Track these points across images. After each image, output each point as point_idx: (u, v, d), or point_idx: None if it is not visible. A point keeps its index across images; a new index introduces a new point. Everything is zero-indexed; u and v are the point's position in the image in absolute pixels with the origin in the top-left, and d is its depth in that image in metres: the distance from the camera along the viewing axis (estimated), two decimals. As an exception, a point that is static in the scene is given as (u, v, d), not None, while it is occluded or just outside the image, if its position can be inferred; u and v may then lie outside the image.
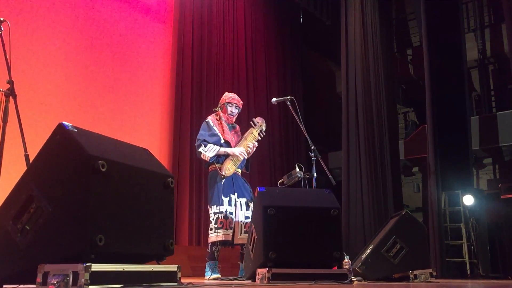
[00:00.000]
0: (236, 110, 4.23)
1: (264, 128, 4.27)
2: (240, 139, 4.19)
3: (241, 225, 3.94)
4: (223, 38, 7.39)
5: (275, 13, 8.75)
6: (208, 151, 3.94)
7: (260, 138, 4.26)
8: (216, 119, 4.20)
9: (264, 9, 8.45)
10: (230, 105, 4.18)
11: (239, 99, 4.28)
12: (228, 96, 4.25)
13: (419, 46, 10.48)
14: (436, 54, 6.73)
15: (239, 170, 4.14)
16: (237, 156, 4.02)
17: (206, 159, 3.99)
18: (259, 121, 4.27)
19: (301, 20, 10.06)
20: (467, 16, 11.05)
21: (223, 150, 4.01)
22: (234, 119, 4.26)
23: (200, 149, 3.96)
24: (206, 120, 4.17)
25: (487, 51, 11.12)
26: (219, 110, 4.22)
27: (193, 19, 6.84)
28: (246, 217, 3.97)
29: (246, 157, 4.10)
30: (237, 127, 4.34)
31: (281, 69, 8.66)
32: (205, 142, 3.97)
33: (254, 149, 4.18)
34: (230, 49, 7.50)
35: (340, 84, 8.95)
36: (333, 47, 11.13)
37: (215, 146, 3.98)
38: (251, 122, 4.28)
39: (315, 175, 4.02)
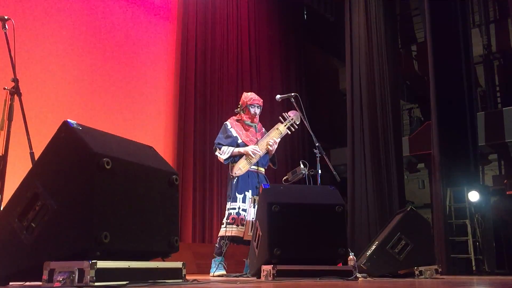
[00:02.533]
0: (259, 110, 4.22)
1: (297, 122, 4.23)
2: (264, 137, 4.20)
3: (252, 223, 3.94)
4: (226, 35, 7.39)
5: (279, 10, 8.74)
6: (222, 154, 4.03)
7: (289, 132, 4.25)
8: (236, 120, 4.24)
9: (268, 6, 8.44)
10: (252, 106, 4.18)
11: (259, 98, 4.28)
12: (248, 97, 4.23)
13: (423, 42, 10.43)
14: (441, 50, 6.69)
15: (257, 168, 4.14)
16: (250, 154, 4.03)
17: (222, 162, 4.08)
18: (291, 115, 4.22)
19: (305, 16, 10.05)
20: (472, 11, 10.97)
21: (237, 150, 4.05)
22: (257, 119, 4.25)
23: (216, 153, 4.09)
24: (225, 123, 4.25)
25: (492, 46, 11.05)
26: (241, 112, 4.22)
27: (196, 17, 6.84)
28: None
29: (260, 154, 4.09)
30: (260, 125, 4.32)
31: (285, 65, 8.65)
32: (220, 145, 4.06)
33: (276, 145, 4.16)
34: (234, 46, 7.50)
35: (344, 81, 8.94)
36: (337, 44, 11.12)
37: (229, 147, 4.04)
38: (280, 117, 4.27)
39: (320, 171, 4.01)
